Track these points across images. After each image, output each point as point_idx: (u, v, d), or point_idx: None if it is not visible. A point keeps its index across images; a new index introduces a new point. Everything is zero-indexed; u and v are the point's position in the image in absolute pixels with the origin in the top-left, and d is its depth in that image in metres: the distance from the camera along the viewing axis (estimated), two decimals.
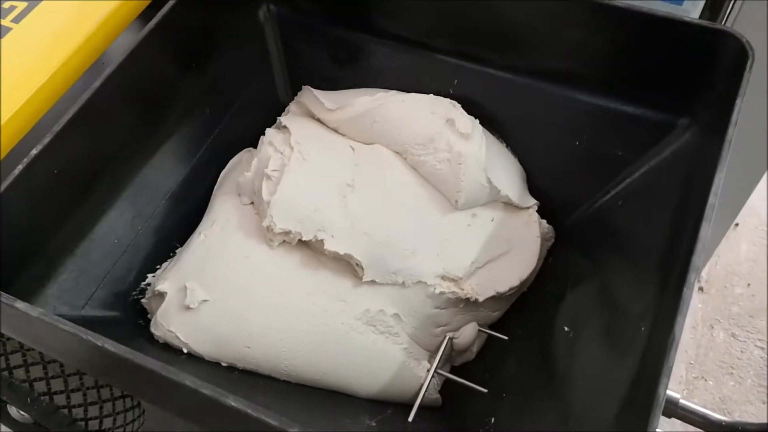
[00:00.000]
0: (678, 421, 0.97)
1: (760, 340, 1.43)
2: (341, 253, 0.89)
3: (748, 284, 1.51)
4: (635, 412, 0.63)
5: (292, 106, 1.08)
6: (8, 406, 1.17)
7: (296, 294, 0.89)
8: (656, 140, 0.92)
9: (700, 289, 1.50)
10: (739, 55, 0.80)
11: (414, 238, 0.94)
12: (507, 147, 1.03)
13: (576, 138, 0.98)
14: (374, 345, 0.91)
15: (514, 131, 1.03)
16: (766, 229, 1.59)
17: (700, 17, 1.09)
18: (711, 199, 0.70)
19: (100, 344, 0.64)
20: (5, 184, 0.76)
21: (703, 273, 1.51)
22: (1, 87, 0.88)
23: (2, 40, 0.94)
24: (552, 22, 0.92)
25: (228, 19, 1.02)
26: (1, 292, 0.67)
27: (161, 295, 0.89)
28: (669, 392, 1.02)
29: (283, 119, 1.03)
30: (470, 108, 1.02)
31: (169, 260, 0.97)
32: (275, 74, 1.10)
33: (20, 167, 0.77)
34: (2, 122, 0.85)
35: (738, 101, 0.77)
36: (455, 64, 1.01)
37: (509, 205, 1.00)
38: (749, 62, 0.79)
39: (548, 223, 1.02)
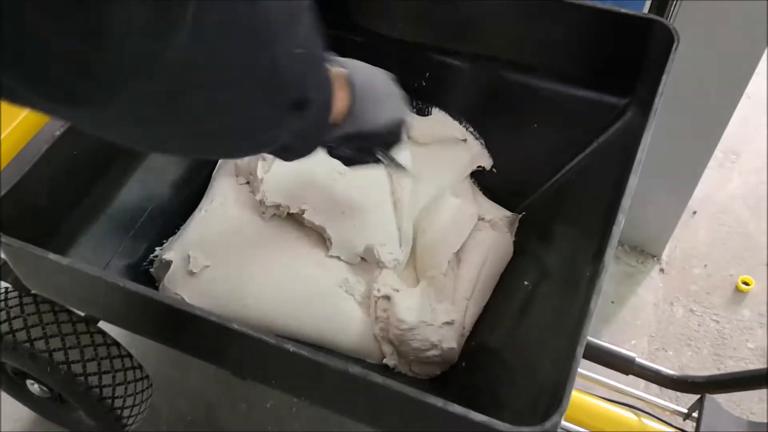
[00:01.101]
0: None
1: (715, 314, 1.55)
2: (316, 222, 1.00)
3: (705, 265, 1.63)
4: (576, 331, 0.74)
5: None
6: (27, 381, 1.28)
7: (284, 260, 1.01)
8: (602, 120, 1.05)
9: (661, 270, 1.62)
10: (667, 39, 0.93)
11: (387, 234, 1.05)
12: (471, 130, 1.15)
13: (534, 121, 1.11)
14: (353, 311, 1.01)
15: (479, 117, 1.15)
16: (721, 216, 1.72)
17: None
18: (639, 156, 0.82)
19: (121, 285, 0.75)
20: (34, 160, 0.87)
21: (665, 255, 1.64)
22: None
23: None
24: (512, 18, 1.05)
25: None
26: (33, 246, 0.78)
27: (167, 264, 1.00)
28: (626, 352, 1.14)
29: None
30: (440, 98, 1.15)
31: (173, 236, 1.08)
32: None
33: (46, 146, 0.88)
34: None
35: (664, 77, 0.89)
36: (427, 57, 1.14)
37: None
38: (675, 44, 0.92)
39: (512, 197, 1.14)
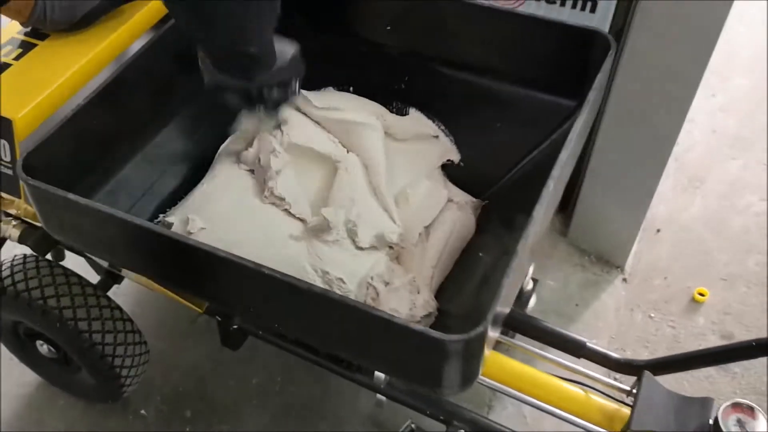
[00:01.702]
0: None
1: (672, 320, 1.68)
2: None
3: (665, 277, 1.77)
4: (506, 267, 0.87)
5: None
6: (37, 343, 1.42)
7: (271, 237, 1.15)
8: (556, 119, 1.20)
9: (624, 279, 1.76)
10: (605, 46, 1.08)
11: (381, 220, 1.19)
12: (442, 128, 1.31)
13: (497, 121, 1.26)
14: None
15: (450, 117, 1.31)
16: (683, 235, 1.86)
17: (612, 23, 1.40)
18: (570, 135, 0.97)
19: (128, 219, 0.89)
20: (57, 125, 1.01)
21: (628, 267, 1.78)
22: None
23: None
24: (481, 29, 1.21)
25: None
26: (54, 187, 0.92)
27: (168, 225, 1.15)
28: (578, 336, 1.28)
29: None
30: (417, 100, 1.31)
31: (174, 206, 1.23)
32: None
33: (69, 113, 1.03)
34: (53, 88, 1.12)
35: (600, 76, 1.04)
36: (406, 63, 1.29)
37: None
38: (611, 51, 1.07)
39: (477, 187, 1.29)
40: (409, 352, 0.85)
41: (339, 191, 1.20)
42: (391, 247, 1.17)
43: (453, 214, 1.24)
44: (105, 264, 1.42)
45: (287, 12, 1.03)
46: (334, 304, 0.82)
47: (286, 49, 1.05)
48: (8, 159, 1.08)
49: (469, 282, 1.17)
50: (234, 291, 0.95)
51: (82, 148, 1.07)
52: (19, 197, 1.11)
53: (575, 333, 1.29)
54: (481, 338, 0.80)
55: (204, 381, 1.58)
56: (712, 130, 2.13)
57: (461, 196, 1.28)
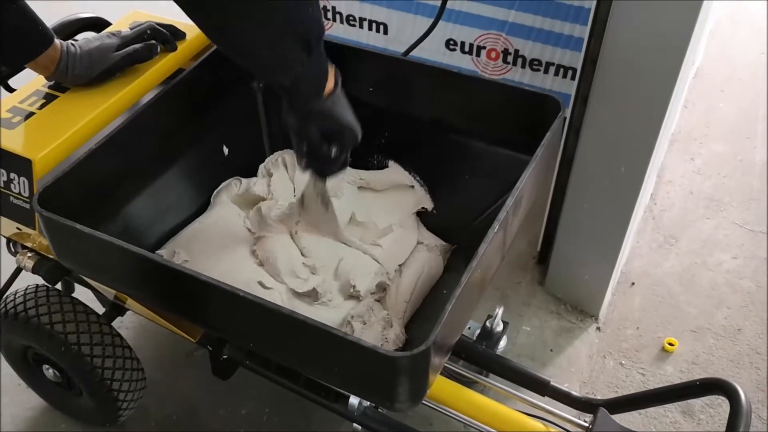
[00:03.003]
0: None
1: (642, 368, 1.77)
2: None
3: (637, 327, 1.86)
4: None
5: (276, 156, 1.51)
6: (43, 367, 1.54)
7: (247, 277, 1.29)
8: (517, 172, 1.32)
9: (598, 328, 1.86)
10: (556, 108, 1.22)
11: (371, 267, 1.34)
12: (418, 179, 1.44)
13: (466, 173, 1.40)
14: None
15: (425, 169, 1.45)
16: (656, 288, 1.97)
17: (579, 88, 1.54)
18: (518, 184, 1.10)
19: (124, 246, 1.03)
20: (70, 165, 1.15)
21: (602, 317, 1.88)
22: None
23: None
24: (452, 92, 1.35)
25: (229, 86, 1.45)
26: (62, 218, 1.06)
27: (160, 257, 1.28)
28: (542, 375, 1.39)
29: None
30: (395, 153, 1.45)
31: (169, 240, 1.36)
32: (261, 127, 1.53)
33: (81, 156, 1.17)
34: (69, 133, 1.27)
35: (548, 134, 1.17)
36: (387, 120, 1.43)
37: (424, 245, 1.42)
38: (561, 112, 1.20)
39: (447, 233, 1.42)
40: (365, 369, 0.96)
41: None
42: (384, 290, 1.31)
43: (423, 255, 1.38)
44: (110, 297, 1.55)
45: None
46: (296, 324, 0.94)
47: (348, 113, 1.16)
48: (27, 194, 1.22)
49: (433, 315, 1.28)
50: (213, 312, 1.07)
51: (92, 186, 1.21)
52: (34, 229, 1.25)
53: (542, 374, 1.41)
54: (426, 355, 0.91)
55: (196, 410, 1.69)
56: (689, 191, 2.25)
57: (431, 240, 1.41)
